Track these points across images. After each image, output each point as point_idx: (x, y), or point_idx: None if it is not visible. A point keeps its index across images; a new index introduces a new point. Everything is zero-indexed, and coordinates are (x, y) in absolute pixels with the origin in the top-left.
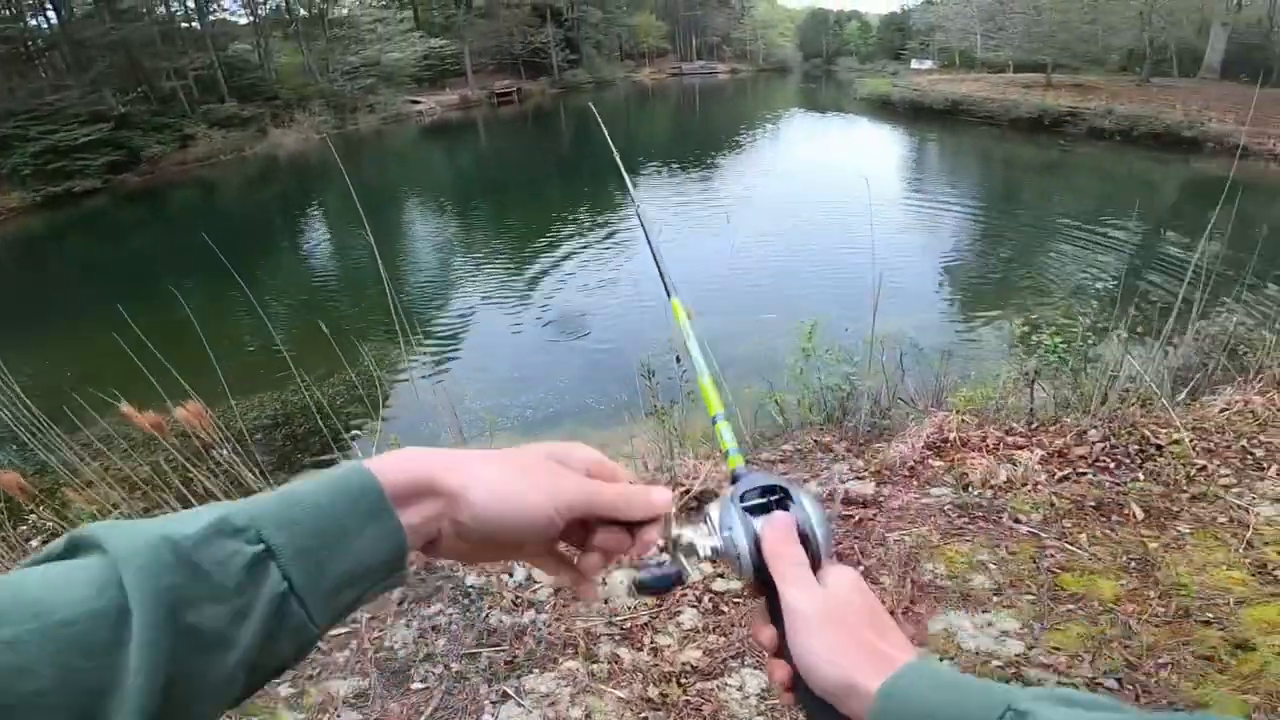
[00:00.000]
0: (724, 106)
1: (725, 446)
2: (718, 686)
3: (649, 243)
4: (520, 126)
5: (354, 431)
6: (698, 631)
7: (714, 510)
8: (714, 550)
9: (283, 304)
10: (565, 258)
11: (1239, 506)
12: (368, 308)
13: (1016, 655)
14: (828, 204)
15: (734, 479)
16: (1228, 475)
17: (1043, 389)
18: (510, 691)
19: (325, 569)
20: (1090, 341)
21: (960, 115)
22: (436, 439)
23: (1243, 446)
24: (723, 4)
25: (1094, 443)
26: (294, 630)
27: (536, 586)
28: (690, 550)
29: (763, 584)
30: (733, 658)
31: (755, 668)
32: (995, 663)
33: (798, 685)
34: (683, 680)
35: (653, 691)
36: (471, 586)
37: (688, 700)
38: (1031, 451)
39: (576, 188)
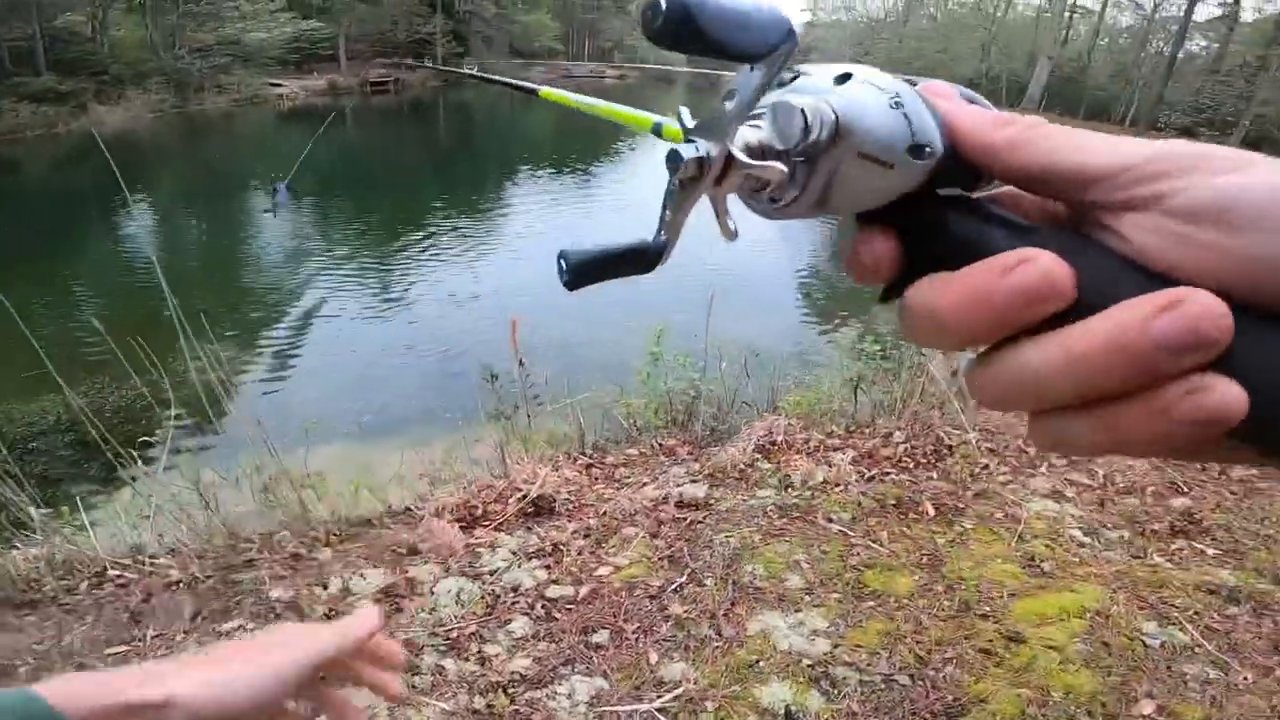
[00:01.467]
0: None
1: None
2: (547, 695)
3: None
4: (394, 118)
5: (139, 447)
6: (528, 640)
7: (772, 95)
8: (837, 116)
9: (74, 298)
10: (426, 259)
11: (1013, 502)
12: (192, 301)
13: (824, 654)
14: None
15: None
16: (1005, 472)
17: (864, 393)
18: None
19: None
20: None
21: None
22: (243, 446)
23: (1019, 446)
24: (620, 9)
25: (898, 444)
26: None
27: (352, 598)
28: (764, 152)
29: (937, 185)
30: (563, 664)
31: (585, 675)
32: (805, 661)
33: None
34: (510, 689)
35: (479, 702)
36: (278, 600)
37: (516, 710)
38: (845, 453)
39: (450, 187)
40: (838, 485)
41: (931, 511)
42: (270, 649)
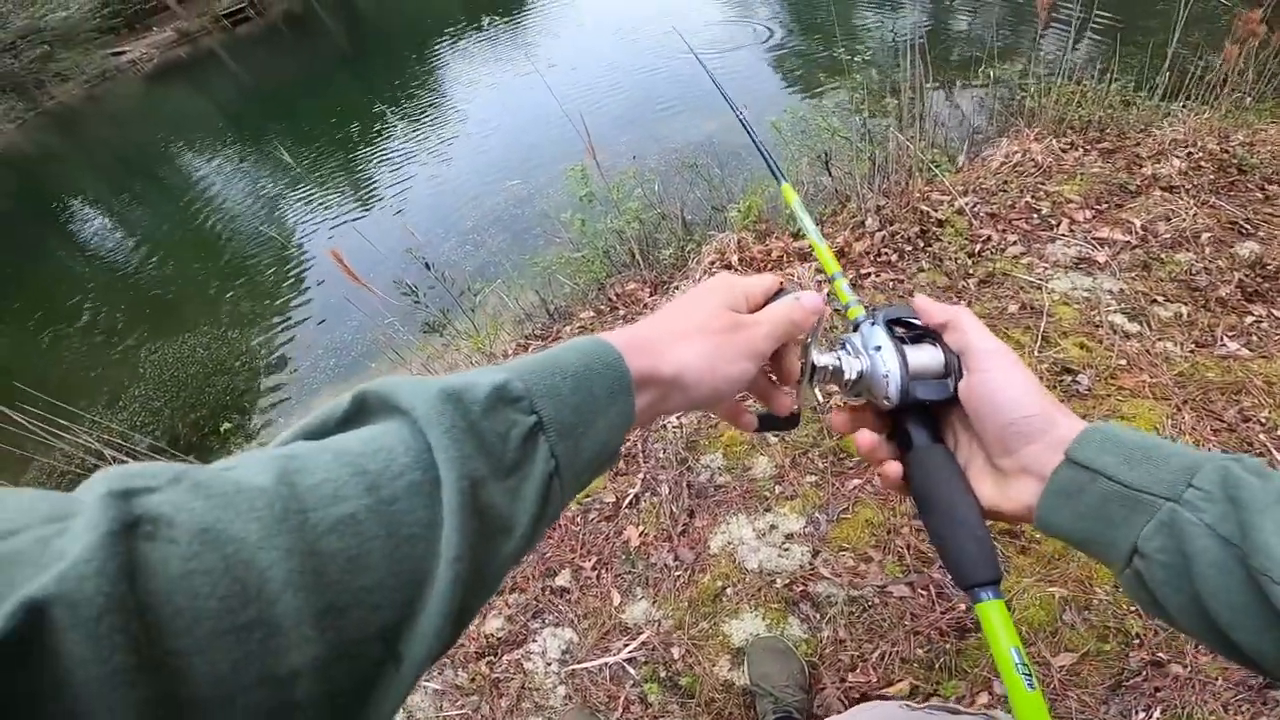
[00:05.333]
0: None
1: (845, 299)
2: (523, 656)
3: (755, 142)
4: (276, 41)
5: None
6: (497, 593)
7: (854, 338)
8: (859, 374)
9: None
10: (373, 170)
11: (1030, 285)
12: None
13: (801, 568)
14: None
15: (856, 328)
16: (1014, 242)
17: (838, 169)
18: None
19: (581, 447)
20: (887, 111)
21: None
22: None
23: (1027, 203)
24: None
25: (873, 232)
26: (550, 516)
27: None
28: (832, 375)
29: (901, 412)
30: (533, 618)
31: (554, 626)
32: (780, 581)
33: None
34: (489, 656)
35: (462, 677)
36: None
37: (496, 678)
38: (810, 260)
39: (375, 81)
40: None
41: None
42: (751, 331)
